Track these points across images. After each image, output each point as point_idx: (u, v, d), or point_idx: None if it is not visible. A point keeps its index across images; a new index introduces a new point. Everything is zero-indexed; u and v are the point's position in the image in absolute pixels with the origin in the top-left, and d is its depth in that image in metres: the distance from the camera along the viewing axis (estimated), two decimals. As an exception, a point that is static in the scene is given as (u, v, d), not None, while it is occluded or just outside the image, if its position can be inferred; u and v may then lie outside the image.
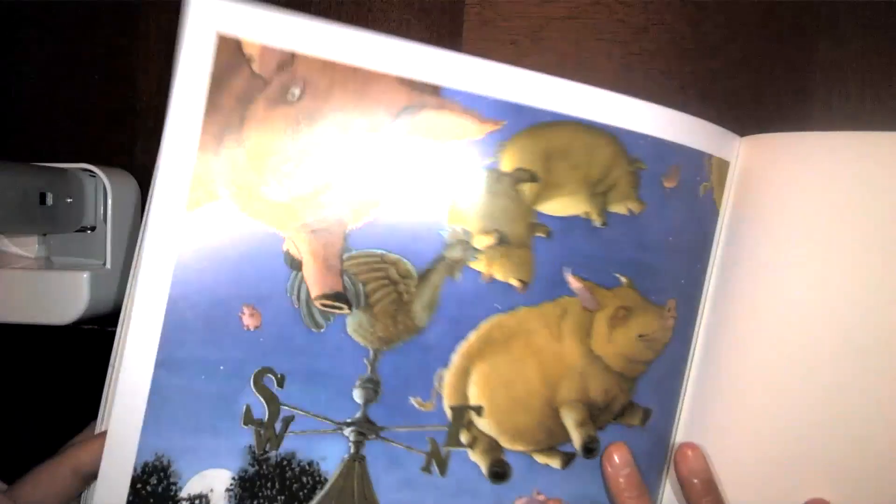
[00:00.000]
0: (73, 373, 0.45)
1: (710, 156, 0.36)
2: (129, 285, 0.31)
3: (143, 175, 0.44)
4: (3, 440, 0.40)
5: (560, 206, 0.34)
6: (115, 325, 0.31)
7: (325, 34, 0.31)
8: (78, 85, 0.45)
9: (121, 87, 0.45)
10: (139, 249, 0.30)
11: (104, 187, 0.41)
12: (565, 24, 0.42)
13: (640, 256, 0.35)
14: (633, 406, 0.36)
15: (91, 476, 0.31)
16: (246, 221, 0.31)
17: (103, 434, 0.31)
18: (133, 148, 0.45)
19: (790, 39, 0.45)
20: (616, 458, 0.35)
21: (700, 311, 0.38)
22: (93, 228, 0.43)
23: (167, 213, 0.30)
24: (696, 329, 0.38)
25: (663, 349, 0.37)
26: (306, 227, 0.32)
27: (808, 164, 0.36)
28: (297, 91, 0.31)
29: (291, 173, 0.31)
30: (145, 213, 0.30)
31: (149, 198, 0.30)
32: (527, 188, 0.33)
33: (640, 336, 0.36)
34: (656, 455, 0.37)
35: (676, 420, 0.38)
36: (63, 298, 0.39)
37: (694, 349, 0.38)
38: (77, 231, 0.43)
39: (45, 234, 0.44)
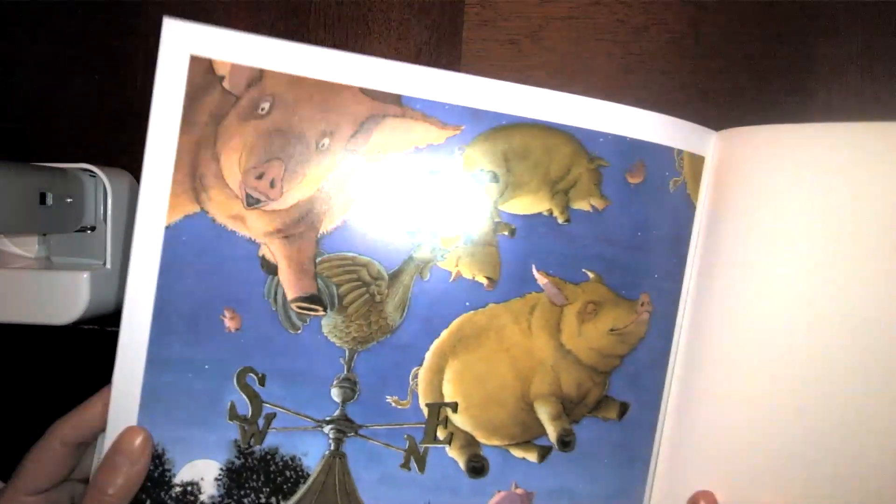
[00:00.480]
0: (73, 373, 0.45)
1: (681, 151, 0.37)
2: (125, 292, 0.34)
3: None
4: (3, 440, 0.41)
5: (522, 204, 0.35)
6: (116, 325, 0.34)
7: (291, 52, 0.33)
8: (78, 85, 0.46)
9: (121, 87, 0.45)
10: (129, 260, 0.33)
11: (104, 187, 0.42)
12: (565, 24, 0.43)
13: (608, 251, 0.36)
14: (608, 400, 0.37)
15: (80, 444, 0.34)
16: (223, 230, 0.34)
17: (83, 403, 0.34)
18: (133, 148, 0.43)
19: (790, 39, 0.45)
20: None
21: (681, 306, 0.38)
22: (93, 228, 0.44)
23: (149, 225, 0.33)
24: (678, 324, 0.38)
25: (638, 343, 0.37)
26: (280, 233, 0.34)
27: (783, 155, 0.36)
28: (266, 105, 0.33)
29: (263, 183, 0.34)
30: (134, 224, 0.33)
31: (136, 210, 0.33)
32: (489, 189, 0.35)
33: (611, 330, 0.36)
34: (639, 449, 0.38)
35: (662, 415, 0.38)
36: (63, 298, 0.40)
37: (678, 344, 0.38)
38: (77, 231, 0.43)
39: (45, 234, 0.44)
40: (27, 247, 0.44)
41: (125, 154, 0.45)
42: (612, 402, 0.37)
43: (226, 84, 0.33)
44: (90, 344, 0.47)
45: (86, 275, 0.40)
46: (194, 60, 0.33)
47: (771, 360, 0.36)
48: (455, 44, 0.43)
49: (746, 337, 0.36)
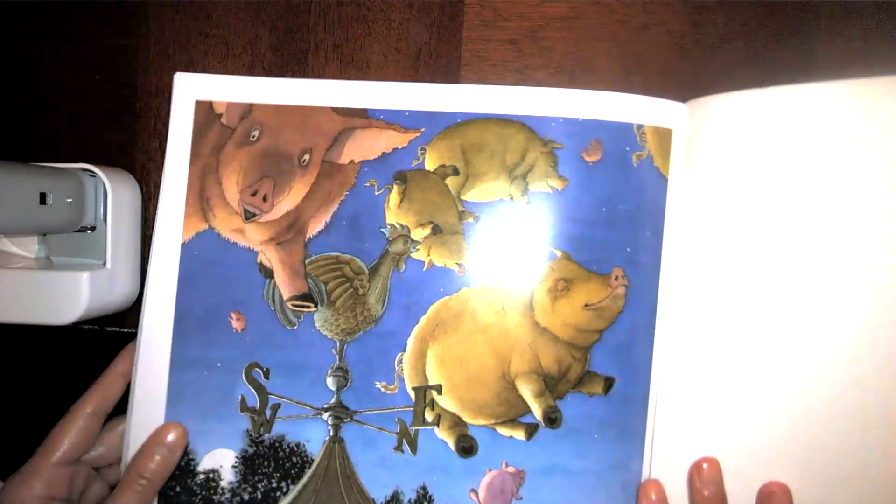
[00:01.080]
0: (73, 373, 0.44)
1: (641, 126, 0.38)
2: (142, 303, 0.39)
3: (143, 175, 0.45)
4: (4, 440, 0.41)
5: (484, 192, 0.38)
6: (115, 325, 0.37)
7: (272, 86, 0.39)
8: (78, 85, 0.45)
9: (121, 87, 0.45)
10: (147, 275, 0.39)
11: (104, 187, 0.41)
12: (565, 24, 0.42)
13: (573, 229, 0.37)
14: (591, 375, 0.37)
15: (103, 415, 0.38)
16: (227, 242, 0.39)
17: (103, 376, 0.38)
18: (133, 148, 0.44)
19: (790, 39, 0.45)
20: (653, 496, 0.36)
21: (663, 279, 0.38)
22: (93, 228, 0.43)
23: (168, 244, 0.39)
24: (658, 296, 0.38)
25: (617, 317, 0.37)
26: (273, 241, 0.39)
27: (754, 121, 0.36)
28: (256, 133, 0.39)
29: (257, 199, 0.39)
30: (151, 245, 0.39)
31: (152, 232, 0.39)
32: (451, 181, 0.38)
33: (585, 305, 0.37)
34: (631, 423, 0.37)
35: (652, 387, 0.37)
36: (63, 298, 0.40)
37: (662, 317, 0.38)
38: (77, 231, 0.42)
39: (45, 234, 0.44)
40: (27, 247, 0.44)
41: (125, 154, 0.45)
42: (596, 377, 0.37)
43: (223, 119, 0.39)
44: (90, 344, 0.46)
45: (86, 275, 0.39)
46: (198, 104, 0.39)
47: (755, 328, 0.35)
48: (455, 44, 0.44)
49: (728, 307, 0.36)
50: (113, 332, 0.38)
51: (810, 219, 0.35)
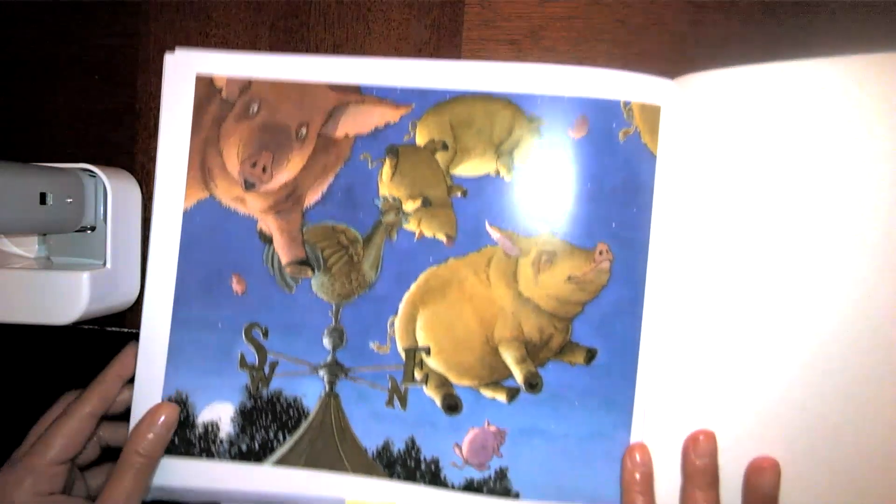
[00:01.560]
0: (73, 373, 0.44)
1: (628, 102, 0.39)
2: (146, 265, 0.41)
3: (143, 175, 0.45)
4: (3, 440, 0.40)
5: (471, 167, 0.39)
6: (115, 325, 0.37)
7: (271, 62, 0.40)
8: (78, 85, 0.45)
9: (121, 87, 0.45)
10: (150, 240, 0.41)
11: (104, 187, 0.41)
12: (565, 24, 0.43)
13: (558, 204, 0.39)
14: (573, 345, 0.39)
15: (101, 414, 0.40)
16: (228, 210, 0.41)
17: (98, 379, 0.40)
18: (133, 148, 0.45)
19: (790, 39, 0.44)
20: (638, 457, 0.38)
21: (649, 254, 0.40)
22: (93, 228, 0.43)
23: (169, 211, 0.41)
24: (647, 271, 0.39)
25: (601, 291, 0.39)
26: (273, 209, 0.41)
27: (743, 97, 0.37)
28: (255, 107, 0.41)
29: (257, 170, 0.41)
30: (152, 211, 0.41)
31: (153, 199, 0.41)
32: (441, 156, 0.39)
33: (568, 278, 0.39)
34: (615, 394, 0.39)
35: (641, 361, 0.39)
36: (63, 298, 0.39)
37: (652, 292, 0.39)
38: (77, 231, 0.42)
39: (45, 234, 0.44)
40: (27, 247, 0.44)
41: (125, 154, 0.45)
42: (578, 348, 0.39)
43: (223, 94, 0.41)
44: (90, 344, 0.46)
45: (86, 275, 0.40)
46: (199, 79, 0.41)
47: (745, 303, 0.37)
48: (455, 44, 0.44)
49: (718, 282, 0.37)
50: (113, 332, 0.38)
51: (800, 194, 0.36)
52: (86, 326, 0.45)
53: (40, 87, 0.45)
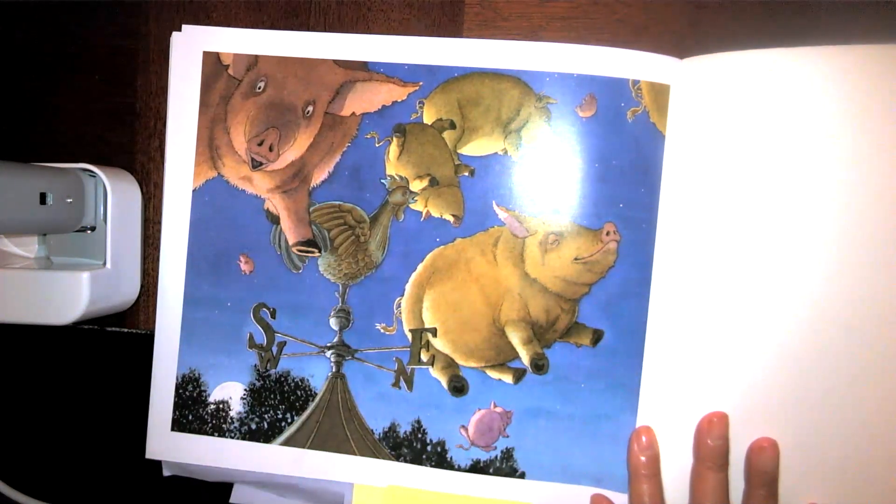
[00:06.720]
0: (73, 373, 0.44)
1: (637, 81, 0.38)
2: (161, 246, 0.42)
3: (143, 175, 0.45)
4: (4, 440, 0.41)
5: (479, 146, 0.39)
6: (115, 325, 0.37)
7: (277, 38, 0.40)
8: (78, 85, 0.45)
9: (121, 87, 0.45)
10: (162, 220, 0.41)
11: (104, 187, 0.41)
12: (565, 24, 0.42)
13: (565, 184, 0.38)
14: (579, 326, 0.39)
15: None
16: (235, 189, 0.41)
17: None
18: (133, 148, 0.45)
19: (790, 40, 0.43)
20: (644, 439, 0.38)
21: (657, 235, 0.39)
22: (93, 228, 0.43)
23: (179, 190, 0.41)
24: (654, 252, 0.39)
25: (608, 272, 0.39)
26: (279, 189, 0.41)
27: (753, 80, 0.37)
28: (262, 84, 0.40)
29: (263, 148, 0.41)
30: (163, 190, 0.41)
31: (164, 179, 0.41)
32: (448, 135, 0.39)
33: (575, 259, 0.38)
34: (621, 376, 0.39)
35: (648, 343, 0.39)
36: (63, 298, 0.39)
37: (659, 273, 0.39)
38: (77, 231, 0.42)
39: (45, 234, 0.44)
40: (27, 247, 0.44)
41: (125, 154, 0.45)
42: (584, 329, 0.39)
43: (230, 71, 0.41)
44: (90, 344, 0.46)
45: (86, 275, 0.39)
46: (206, 55, 0.41)
47: (752, 286, 0.36)
48: None
49: (725, 264, 0.37)
50: (113, 332, 0.38)
51: (809, 176, 0.35)
52: (86, 326, 0.45)
53: (40, 87, 0.46)
